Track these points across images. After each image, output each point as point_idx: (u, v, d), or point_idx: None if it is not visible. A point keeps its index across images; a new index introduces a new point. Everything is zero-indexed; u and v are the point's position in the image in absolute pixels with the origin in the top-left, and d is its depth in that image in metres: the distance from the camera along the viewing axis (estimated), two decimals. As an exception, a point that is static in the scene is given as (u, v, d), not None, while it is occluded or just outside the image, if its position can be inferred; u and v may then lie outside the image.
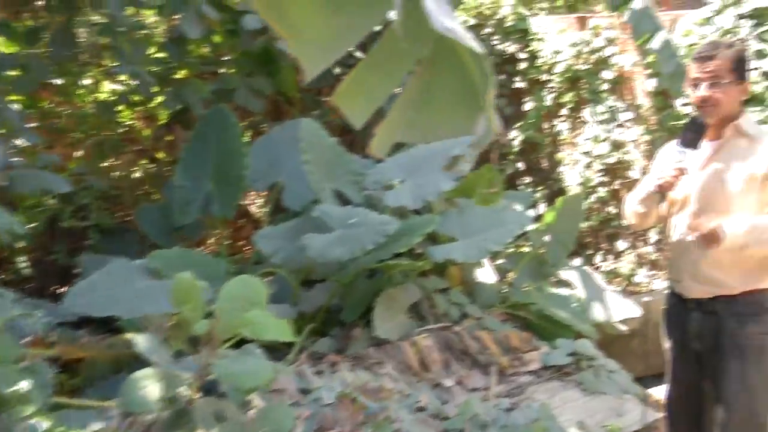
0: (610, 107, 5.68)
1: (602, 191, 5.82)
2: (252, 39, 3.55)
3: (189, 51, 3.61)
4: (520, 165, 7.13)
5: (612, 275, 5.68)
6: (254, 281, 1.36)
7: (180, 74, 3.76)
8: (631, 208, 2.46)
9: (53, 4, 3.02)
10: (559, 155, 6.52)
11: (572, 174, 6.19)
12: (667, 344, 2.45)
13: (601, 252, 5.96)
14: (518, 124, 6.93)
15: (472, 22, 6.92)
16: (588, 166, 5.96)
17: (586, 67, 5.93)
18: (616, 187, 5.85)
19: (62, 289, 3.55)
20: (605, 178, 5.88)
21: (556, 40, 6.31)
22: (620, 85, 5.71)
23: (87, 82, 3.87)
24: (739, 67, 2.13)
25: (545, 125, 6.93)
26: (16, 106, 3.13)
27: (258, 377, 1.26)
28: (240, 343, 1.48)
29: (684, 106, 5.02)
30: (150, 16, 3.89)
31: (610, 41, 5.66)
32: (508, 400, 2.29)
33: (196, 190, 3.19)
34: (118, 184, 4.02)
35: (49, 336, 1.96)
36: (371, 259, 2.61)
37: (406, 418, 2.01)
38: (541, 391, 2.40)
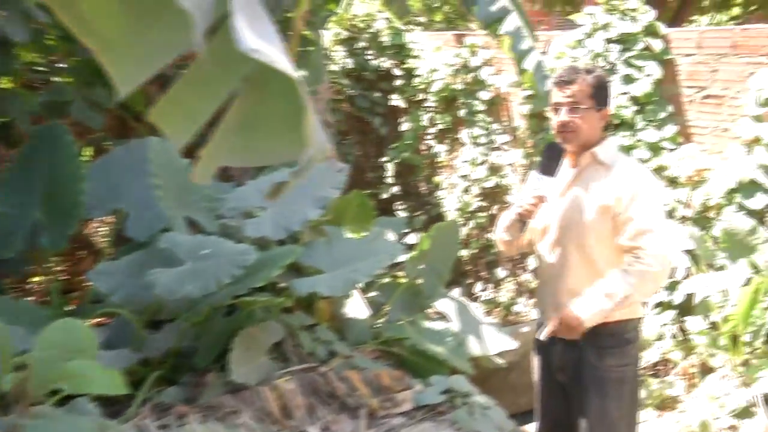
0: (487, 129, 5.95)
1: (481, 216, 6.07)
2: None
3: (15, 56, 3.39)
4: (396, 189, 7.33)
5: (492, 304, 5.92)
6: (78, 326, 1.29)
7: (3, 83, 3.53)
8: (498, 235, 2.59)
9: None
10: (437, 178, 6.76)
11: (450, 198, 6.43)
12: (535, 377, 2.58)
13: (480, 280, 6.19)
14: (394, 145, 7.12)
15: (345, 35, 7.06)
16: (466, 190, 6.22)
17: (462, 86, 6.21)
18: (494, 212, 6.13)
19: None
20: (484, 203, 6.15)
21: (433, 57, 6.56)
22: (497, 106, 6.02)
23: None
24: (598, 93, 2.28)
25: (422, 146, 7.17)
26: None
27: (80, 438, 1.19)
28: (70, 397, 1.40)
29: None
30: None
31: (487, 61, 5.96)
32: (378, 446, 2.30)
33: (20, 218, 2.99)
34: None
35: None
36: (227, 295, 2.55)
37: (264, 473, 1.97)
38: (413, 434, 2.43)
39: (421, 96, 6.79)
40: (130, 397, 2.26)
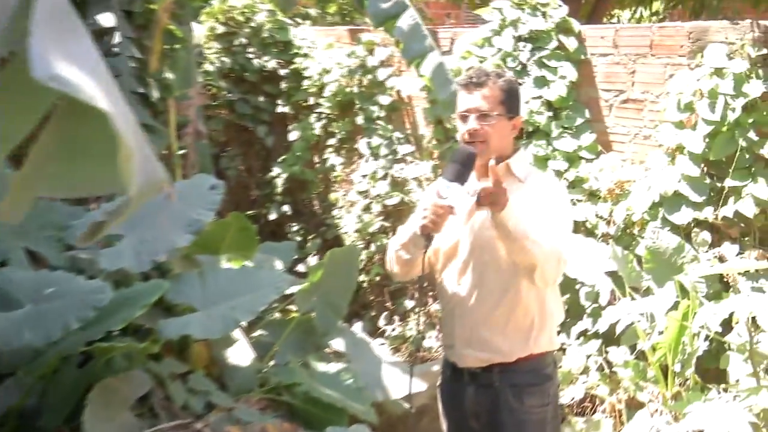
0: (388, 138, 6.03)
1: (383, 238, 6.12)
2: None
3: None
4: (286, 208, 7.28)
5: (399, 340, 5.96)
6: None
7: None
8: (393, 253, 2.52)
9: None
10: (333, 195, 6.77)
11: (349, 218, 6.45)
12: (444, 425, 2.61)
13: (385, 312, 6.23)
14: (282, 158, 7.09)
15: (221, 29, 7.00)
16: (366, 208, 6.26)
17: (359, 90, 6.26)
18: (399, 234, 6.20)
19: None
20: (386, 223, 6.20)
21: (325, 56, 6.60)
22: (398, 112, 6.11)
23: None
24: (510, 100, 2.35)
25: (315, 159, 7.17)
26: None
27: None
28: None
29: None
30: None
31: (386, 60, 6.04)
32: None
33: None
34: None
35: None
36: (79, 341, 2.47)
37: None
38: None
39: (312, 101, 6.80)
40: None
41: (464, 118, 2.36)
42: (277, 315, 4.03)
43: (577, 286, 4.12)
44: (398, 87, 5.94)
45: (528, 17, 4.63)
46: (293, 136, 7.03)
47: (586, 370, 4.02)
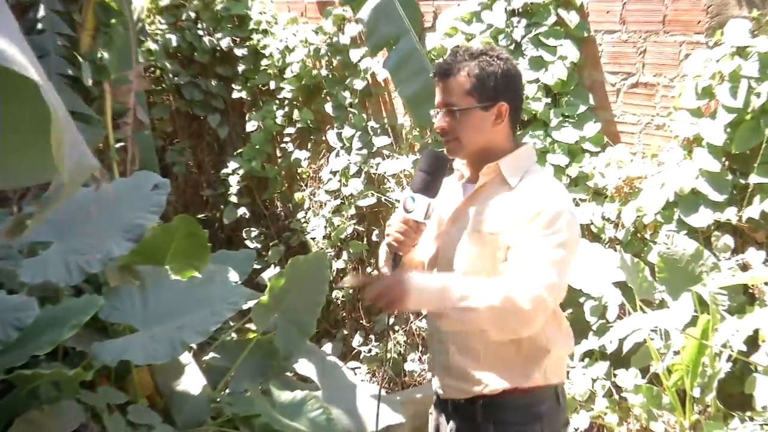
0: (362, 129, 6.01)
1: (357, 245, 6.11)
2: None
3: None
4: (243, 210, 7.25)
5: (376, 362, 5.94)
6: None
7: None
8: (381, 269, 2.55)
9: None
10: (298, 195, 6.75)
11: (316, 221, 6.43)
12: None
13: (360, 331, 6.22)
14: (239, 151, 7.06)
15: (166, 2, 6.97)
16: (337, 210, 6.24)
17: (328, 72, 6.25)
18: (376, 240, 6.18)
19: None
20: (360, 227, 6.19)
21: (288, 33, 6.57)
22: (374, 98, 6.10)
23: None
24: (482, 86, 2.28)
25: (277, 153, 7.14)
26: None
27: None
28: None
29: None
30: None
31: (359, 38, 6.03)
32: None
33: None
34: None
35: None
36: (-2, 368, 2.44)
37: None
38: None
39: (273, 85, 6.78)
40: None
41: (436, 114, 2.36)
42: (232, 335, 4.01)
43: (582, 300, 4.12)
44: (373, 69, 5.92)
45: (523, -13, 4.65)
46: (251, 126, 7.00)
47: (591, 397, 4.02)
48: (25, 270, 2.72)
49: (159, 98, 7.24)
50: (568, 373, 4.11)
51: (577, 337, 4.10)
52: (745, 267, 3.65)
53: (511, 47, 4.60)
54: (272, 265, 6.71)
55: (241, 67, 7.05)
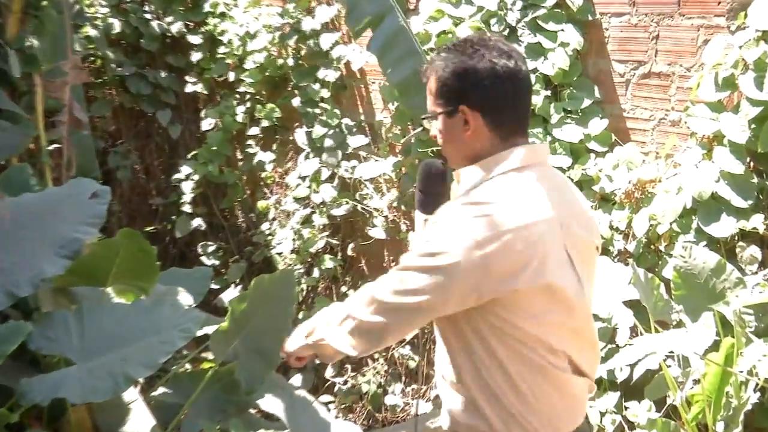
0: (335, 127, 6.00)
1: (329, 261, 6.10)
2: None
3: None
4: (199, 221, 7.22)
5: (353, 396, 5.94)
6: None
7: None
8: None
9: None
10: (262, 204, 6.74)
11: (283, 234, 6.42)
12: None
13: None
14: (193, 153, 7.03)
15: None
16: (306, 220, 6.23)
17: (295, 62, 6.23)
18: (351, 254, 6.18)
19: None
20: (334, 240, 6.19)
21: (248, 17, 6.57)
22: (348, 91, 6.09)
23: None
24: (444, 91, 2.30)
25: (237, 155, 7.12)
26: None
27: None
28: None
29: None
30: None
31: (330, 23, 6.03)
32: None
33: None
34: None
35: None
36: None
37: None
38: None
39: (232, 76, 6.76)
40: None
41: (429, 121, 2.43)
42: (186, 367, 3.99)
43: (588, 321, 4.12)
44: (348, 58, 5.92)
45: (518, -36, 4.67)
46: (207, 124, 6.98)
47: (600, 432, 4.03)
48: (-59, 294, 2.68)
49: (100, 93, 7.20)
50: None
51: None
52: (773, 282, 3.67)
53: (506, 33, 4.61)
54: (232, 285, 6.69)
55: (195, 57, 7.03)
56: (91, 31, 6.78)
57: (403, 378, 5.80)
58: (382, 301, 2.26)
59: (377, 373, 5.87)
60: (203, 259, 7.00)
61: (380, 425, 5.63)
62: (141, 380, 3.28)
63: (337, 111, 6.03)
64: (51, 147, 4.75)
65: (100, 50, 6.88)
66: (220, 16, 6.84)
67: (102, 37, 6.84)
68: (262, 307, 3.59)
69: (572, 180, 4.39)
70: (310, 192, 6.16)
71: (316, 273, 6.17)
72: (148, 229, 7.26)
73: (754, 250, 3.80)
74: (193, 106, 7.33)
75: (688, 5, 4.13)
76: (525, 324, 2.15)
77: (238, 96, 6.79)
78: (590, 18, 4.54)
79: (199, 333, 3.28)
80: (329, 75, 5.98)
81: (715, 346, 3.53)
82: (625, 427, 3.99)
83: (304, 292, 6.15)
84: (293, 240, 6.26)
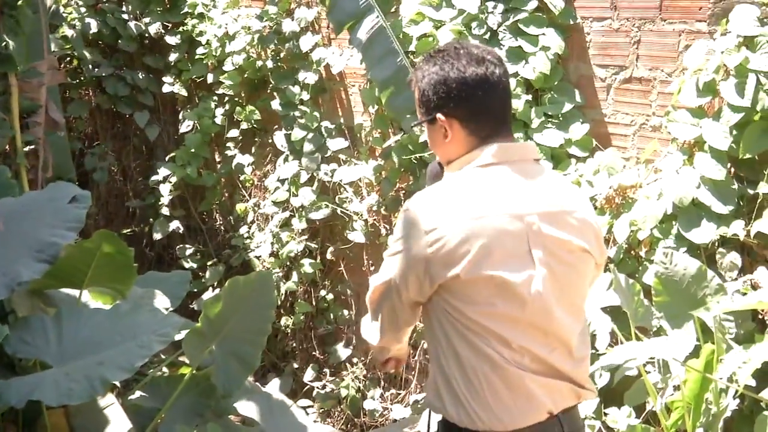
0: (315, 130, 6.00)
1: (308, 265, 6.10)
2: None
3: None
4: (176, 224, 7.20)
5: (332, 399, 5.93)
6: None
7: None
8: None
9: None
10: (240, 207, 6.73)
11: (262, 237, 6.41)
12: None
13: (312, 364, 6.20)
14: (171, 155, 7.01)
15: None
16: (285, 224, 6.23)
17: (274, 64, 6.23)
18: (330, 258, 6.18)
19: None
20: (313, 244, 6.18)
21: (227, 18, 6.56)
22: (328, 94, 6.09)
23: None
24: (424, 99, 2.42)
25: (216, 157, 7.11)
26: None
27: None
28: None
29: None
30: None
31: (311, 24, 6.03)
32: None
33: None
34: None
35: None
36: None
37: None
38: None
39: (211, 78, 6.75)
40: None
41: None
42: (163, 371, 3.98)
43: (567, 327, 4.13)
44: (328, 60, 5.92)
45: (499, -33, 4.68)
46: (185, 126, 6.96)
47: (580, 439, 4.04)
48: None
49: (76, 93, 7.17)
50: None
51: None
52: (754, 289, 3.68)
53: (486, 36, 4.62)
54: (210, 288, 6.67)
55: (173, 57, 7.02)
56: (67, 31, 6.76)
57: (382, 383, 5.80)
58: (370, 285, 2.47)
59: (356, 377, 5.87)
60: (181, 262, 6.99)
61: (359, 430, 5.64)
62: (118, 384, 3.29)
63: (317, 114, 6.03)
64: (27, 148, 4.73)
65: (76, 51, 6.85)
66: (198, 17, 6.82)
67: (79, 38, 6.81)
68: (240, 311, 3.61)
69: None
70: (289, 195, 6.15)
71: (294, 277, 6.16)
72: (125, 231, 7.24)
73: (734, 257, 3.82)
74: (171, 108, 7.31)
75: (669, 10, 4.15)
76: (473, 313, 2.24)
77: (216, 98, 6.78)
78: (572, 22, 4.55)
79: (177, 337, 3.29)
80: (309, 77, 5.98)
81: (695, 353, 3.54)
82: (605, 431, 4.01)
83: (283, 296, 6.14)
84: (272, 243, 6.26)
